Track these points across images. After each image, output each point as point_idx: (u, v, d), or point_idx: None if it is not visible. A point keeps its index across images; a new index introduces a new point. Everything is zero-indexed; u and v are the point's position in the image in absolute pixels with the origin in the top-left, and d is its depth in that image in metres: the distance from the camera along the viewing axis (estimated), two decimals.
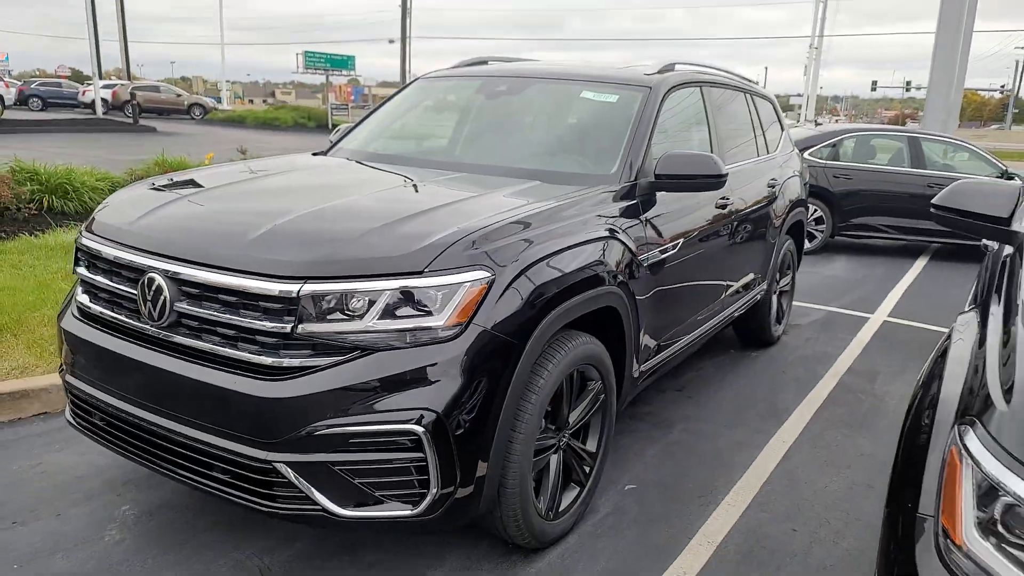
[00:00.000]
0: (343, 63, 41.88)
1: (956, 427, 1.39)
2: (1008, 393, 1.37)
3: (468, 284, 2.24)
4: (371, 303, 2.17)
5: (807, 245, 9.30)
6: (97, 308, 2.57)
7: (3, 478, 3.04)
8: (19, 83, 40.66)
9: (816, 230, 9.35)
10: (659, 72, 3.78)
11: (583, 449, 2.90)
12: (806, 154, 9.34)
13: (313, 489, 2.17)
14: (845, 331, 5.86)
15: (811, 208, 9.29)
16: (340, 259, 2.22)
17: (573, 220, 2.75)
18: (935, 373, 1.75)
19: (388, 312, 2.18)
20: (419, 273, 2.21)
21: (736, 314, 4.52)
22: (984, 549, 1.22)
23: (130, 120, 28.07)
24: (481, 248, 2.32)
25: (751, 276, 4.63)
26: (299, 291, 2.15)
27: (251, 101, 74.01)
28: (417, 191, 3.04)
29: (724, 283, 4.18)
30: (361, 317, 2.17)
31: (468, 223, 2.41)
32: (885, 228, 9.35)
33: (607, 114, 3.60)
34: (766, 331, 5.21)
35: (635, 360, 3.16)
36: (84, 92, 37.29)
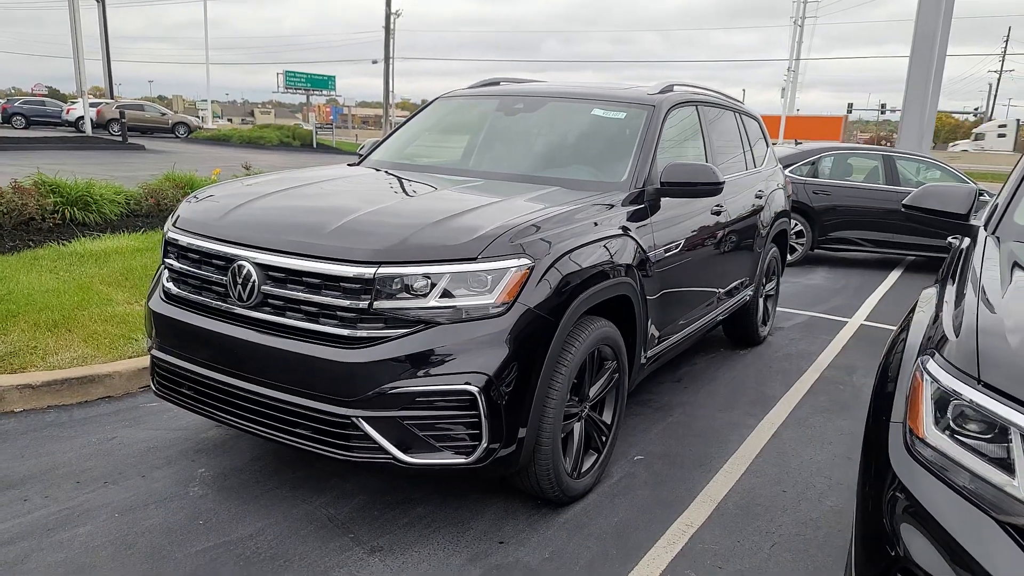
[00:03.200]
0: (323, 83, 42.35)
1: (919, 358, 1.85)
2: (957, 331, 1.83)
3: (513, 269, 2.67)
4: (433, 284, 2.59)
5: (788, 257, 9.88)
6: (183, 291, 2.97)
7: (85, 449, 3.40)
8: (2, 101, 40.59)
9: (797, 243, 9.87)
10: (660, 92, 4.25)
11: (601, 420, 3.32)
12: (787, 171, 9.90)
13: (384, 440, 2.57)
14: (826, 333, 6.35)
15: (792, 222, 9.85)
16: (408, 247, 2.63)
17: (592, 220, 3.19)
18: (904, 327, 2.23)
19: (447, 292, 2.60)
20: (473, 259, 2.63)
21: (728, 311, 4.97)
22: (940, 438, 1.66)
23: (118, 138, 28.29)
24: (520, 240, 2.75)
25: (741, 278, 5.09)
26: (375, 274, 2.56)
27: (230, 120, 73.88)
28: (458, 194, 3.44)
29: (718, 281, 4.63)
30: (425, 295, 2.59)
31: (508, 219, 2.84)
32: (862, 241, 9.89)
33: (616, 129, 4.05)
34: (753, 331, 5.67)
35: (644, 345, 3.59)
36: (68, 110, 37.24)
